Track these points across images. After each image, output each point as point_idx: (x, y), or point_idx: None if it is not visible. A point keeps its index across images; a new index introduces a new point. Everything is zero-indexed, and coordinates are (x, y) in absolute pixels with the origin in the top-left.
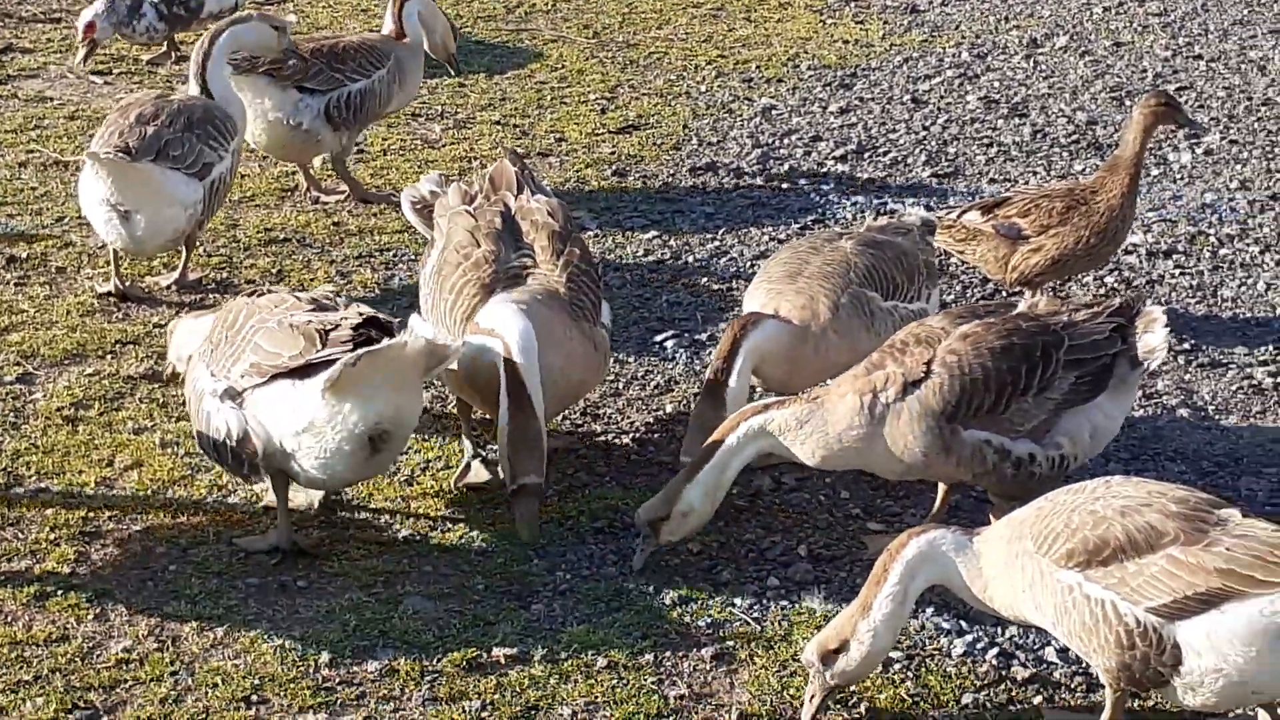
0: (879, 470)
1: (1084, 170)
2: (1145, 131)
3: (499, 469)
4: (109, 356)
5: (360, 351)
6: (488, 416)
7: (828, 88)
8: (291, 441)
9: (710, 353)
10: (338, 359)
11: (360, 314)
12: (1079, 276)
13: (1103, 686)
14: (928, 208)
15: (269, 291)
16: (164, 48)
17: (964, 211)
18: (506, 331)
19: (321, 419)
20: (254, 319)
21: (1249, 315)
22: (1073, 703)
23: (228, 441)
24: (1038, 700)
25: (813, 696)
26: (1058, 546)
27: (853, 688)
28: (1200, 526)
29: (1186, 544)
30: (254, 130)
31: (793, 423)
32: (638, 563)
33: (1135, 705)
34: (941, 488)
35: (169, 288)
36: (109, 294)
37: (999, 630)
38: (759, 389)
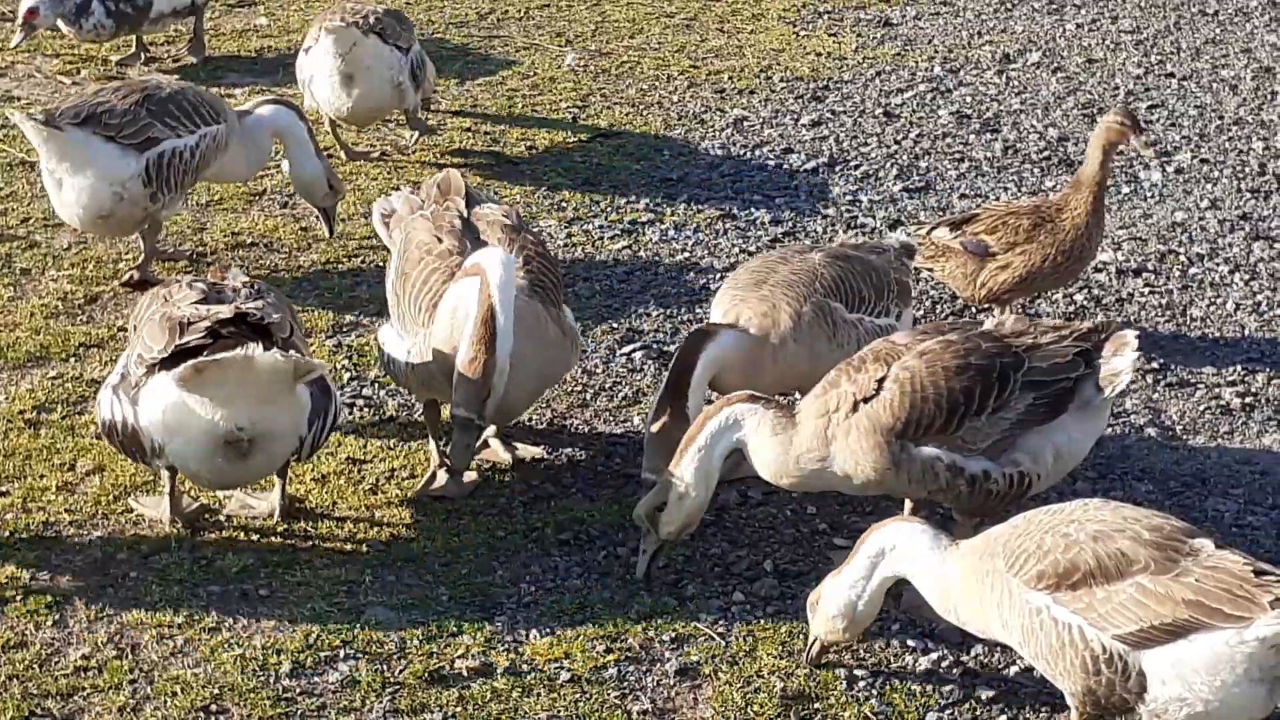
0: (837, 488)
1: (1055, 186)
2: (1106, 149)
3: (464, 479)
4: (72, 359)
5: (205, 358)
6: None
7: (800, 100)
8: (160, 435)
9: None
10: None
11: (237, 308)
12: (1049, 293)
13: (1068, 708)
14: (898, 222)
15: (176, 282)
16: (133, 48)
17: (933, 228)
18: (488, 264)
19: (177, 417)
20: (152, 308)
21: (1218, 335)
22: None
23: (115, 429)
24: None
25: (810, 644)
26: (1028, 567)
27: (816, 705)
28: (1172, 556)
29: (1156, 573)
30: (358, 94)
31: (766, 427)
32: (640, 568)
33: None
34: (907, 504)
35: (127, 284)
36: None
37: (964, 649)
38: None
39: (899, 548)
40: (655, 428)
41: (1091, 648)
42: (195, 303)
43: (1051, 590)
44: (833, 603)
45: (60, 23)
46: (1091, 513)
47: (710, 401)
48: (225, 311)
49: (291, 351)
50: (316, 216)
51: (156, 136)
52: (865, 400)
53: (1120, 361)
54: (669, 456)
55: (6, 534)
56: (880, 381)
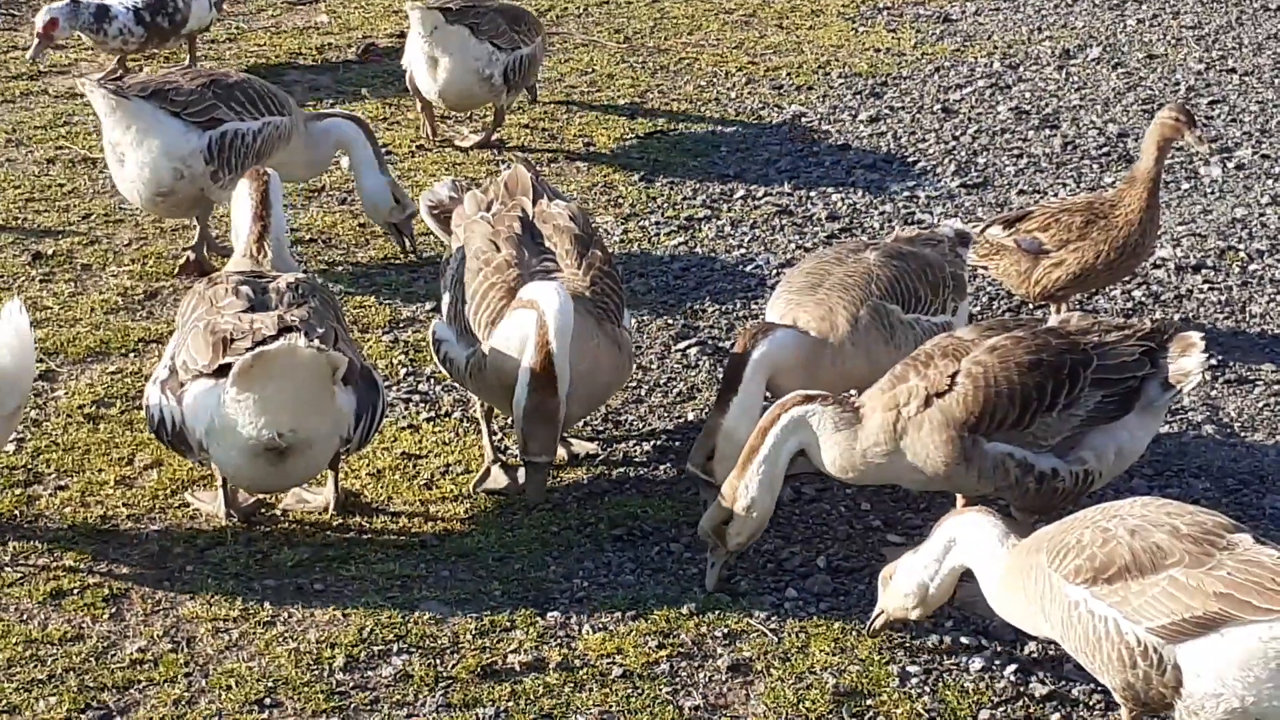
0: (901, 482)
1: (1114, 182)
2: (1160, 146)
3: (518, 475)
4: (131, 355)
5: (253, 351)
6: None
7: (858, 96)
8: (204, 439)
9: None
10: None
11: (280, 320)
12: (1106, 290)
13: (1118, 705)
14: (955, 218)
15: (222, 281)
16: (185, 53)
17: (986, 226)
18: (545, 305)
19: (218, 424)
20: (198, 312)
21: (1278, 332)
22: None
23: (164, 426)
24: (1055, 718)
25: (875, 615)
26: (1067, 562)
27: (869, 701)
28: (1207, 550)
29: (1190, 566)
30: (443, 79)
31: (829, 424)
32: (710, 581)
33: None
34: (960, 500)
35: (183, 268)
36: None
37: (1017, 646)
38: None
39: (969, 539)
40: (708, 425)
41: (1127, 640)
42: (240, 311)
43: (1089, 584)
44: (906, 581)
45: (83, 34)
46: (1137, 509)
47: (767, 401)
48: (269, 328)
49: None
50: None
51: (220, 118)
52: (938, 395)
53: (1189, 362)
54: (712, 451)
55: (65, 527)
56: (953, 376)
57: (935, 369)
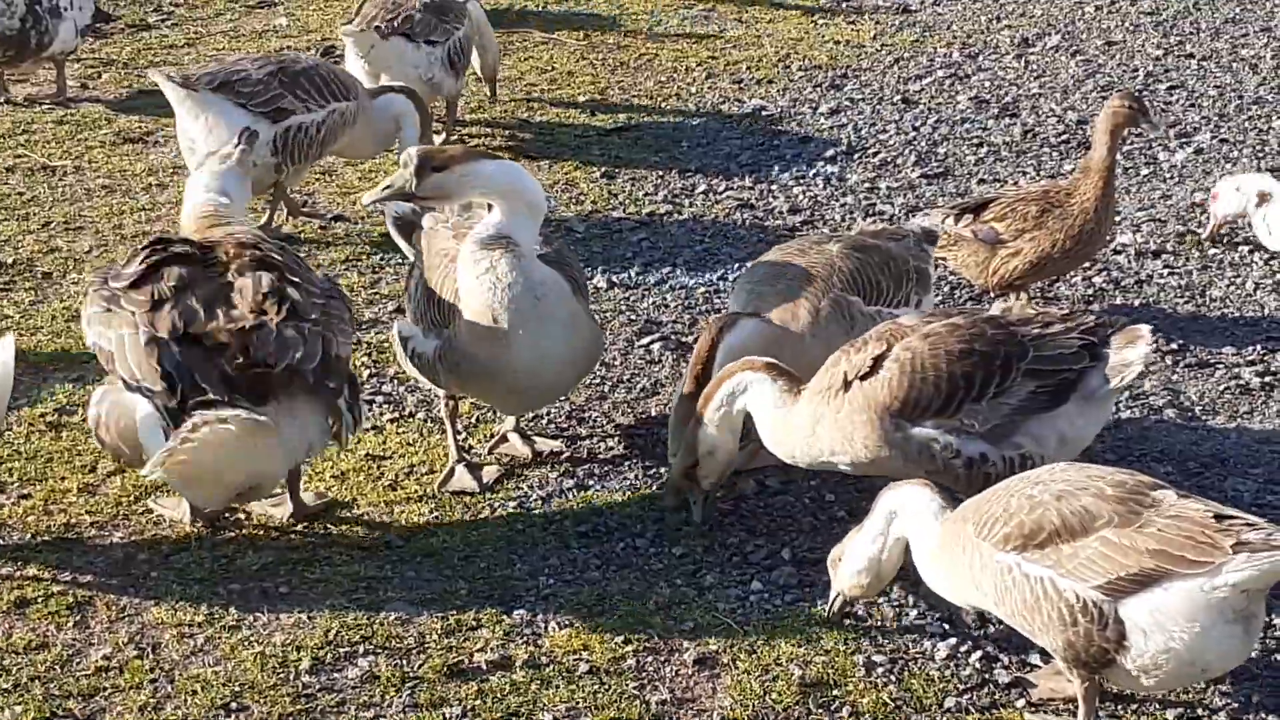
0: (833, 466)
1: (1073, 170)
2: (1111, 134)
3: (483, 474)
4: (94, 362)
5: (177, 444)
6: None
7: (818, 88)
8: (155, 465)
9: None
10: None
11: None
12: (1066, 277)
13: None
14: (916, 209)
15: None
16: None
17: (944, 218)
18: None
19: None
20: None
21: (1237, 315)
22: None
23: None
24: (1020, 704)
25: (832, 600)
26: (995, 531)
27: (835, 692)
28: (1134, 508)
29: (1120, 526)
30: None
31: (767, 398)
32: (697, 515)
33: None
34: None
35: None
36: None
37: (982, 633)
38: None
39: (906, 510)
40: (676, 417)
41: (1065, 598)
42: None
43: (1019, 550)
44: (857, 559)
45: None
46: (1058, 474)
47: None
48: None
49: (258, 417)
50: (333, 218)
51: (287, 108)
52: (861, 378)
53: (1131, 353)
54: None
55: (29, 536)
56: (877, 359)
57: (862, 353)
